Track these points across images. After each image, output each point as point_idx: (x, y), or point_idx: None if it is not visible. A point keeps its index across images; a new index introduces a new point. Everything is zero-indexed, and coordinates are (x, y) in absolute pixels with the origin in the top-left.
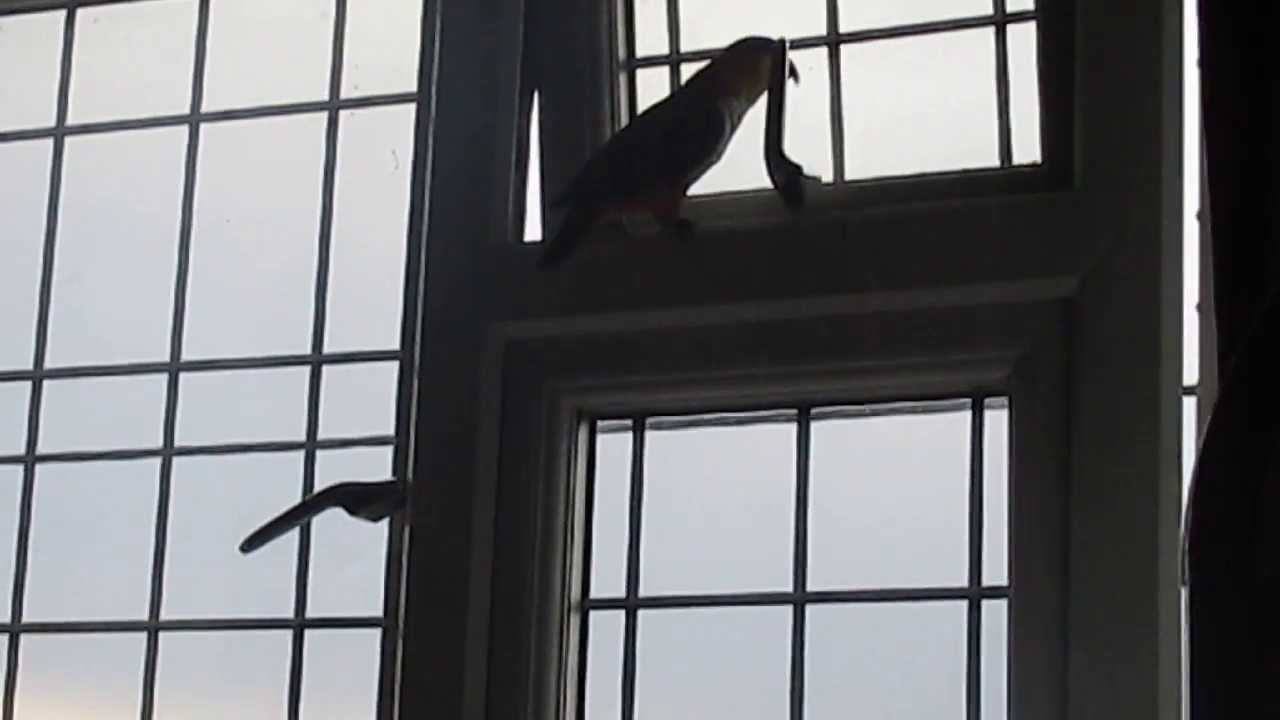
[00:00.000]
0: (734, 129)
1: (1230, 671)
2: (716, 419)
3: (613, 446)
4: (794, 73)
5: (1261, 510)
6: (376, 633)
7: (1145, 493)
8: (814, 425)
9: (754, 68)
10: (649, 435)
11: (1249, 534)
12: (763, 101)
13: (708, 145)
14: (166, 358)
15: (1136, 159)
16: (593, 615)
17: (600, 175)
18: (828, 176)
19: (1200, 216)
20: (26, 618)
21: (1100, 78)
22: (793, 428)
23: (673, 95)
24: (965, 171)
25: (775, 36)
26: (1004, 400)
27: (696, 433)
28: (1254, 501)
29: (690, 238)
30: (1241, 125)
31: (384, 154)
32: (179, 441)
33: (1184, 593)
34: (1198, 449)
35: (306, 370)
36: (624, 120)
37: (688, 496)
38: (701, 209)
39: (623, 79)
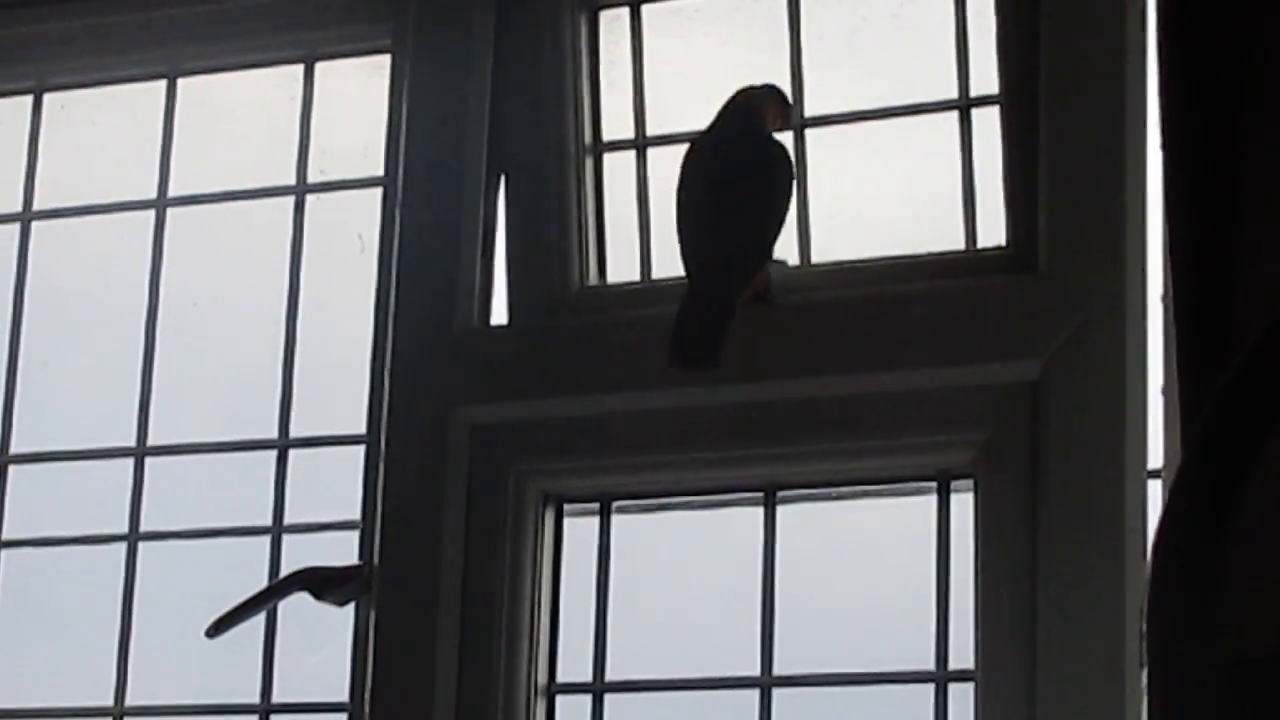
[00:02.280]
0: None
1: None
2: (683, 503)
3: (579, 530)
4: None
5: (1219, 593)
6: (343, 718)
7: (1112, 575)
8: (780, 509)
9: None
10: (615, 519)
11: (1206, 618)
12: None
13: (790, 203)
14: (133, 442)
15: (1101, 242)
16: (559, 700)
17: (722, 265)
18: (794, 260)
19: (1165, 299)
20: None
21: (1064, 161)
22: (759, 511)
23: (725, 164)
24: (931, 255)
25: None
26: (970, 483)
27: (663, 516)
28: (1211, 584)
29: (771, 300)
30: (1204, 208)
31: (350, 238)
32: (145, 525)
33: (1143, 676)
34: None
35: (273, 454)
36: (591, 204)
37: (654, 580)
38: (668, 293)
39: (589, 163)
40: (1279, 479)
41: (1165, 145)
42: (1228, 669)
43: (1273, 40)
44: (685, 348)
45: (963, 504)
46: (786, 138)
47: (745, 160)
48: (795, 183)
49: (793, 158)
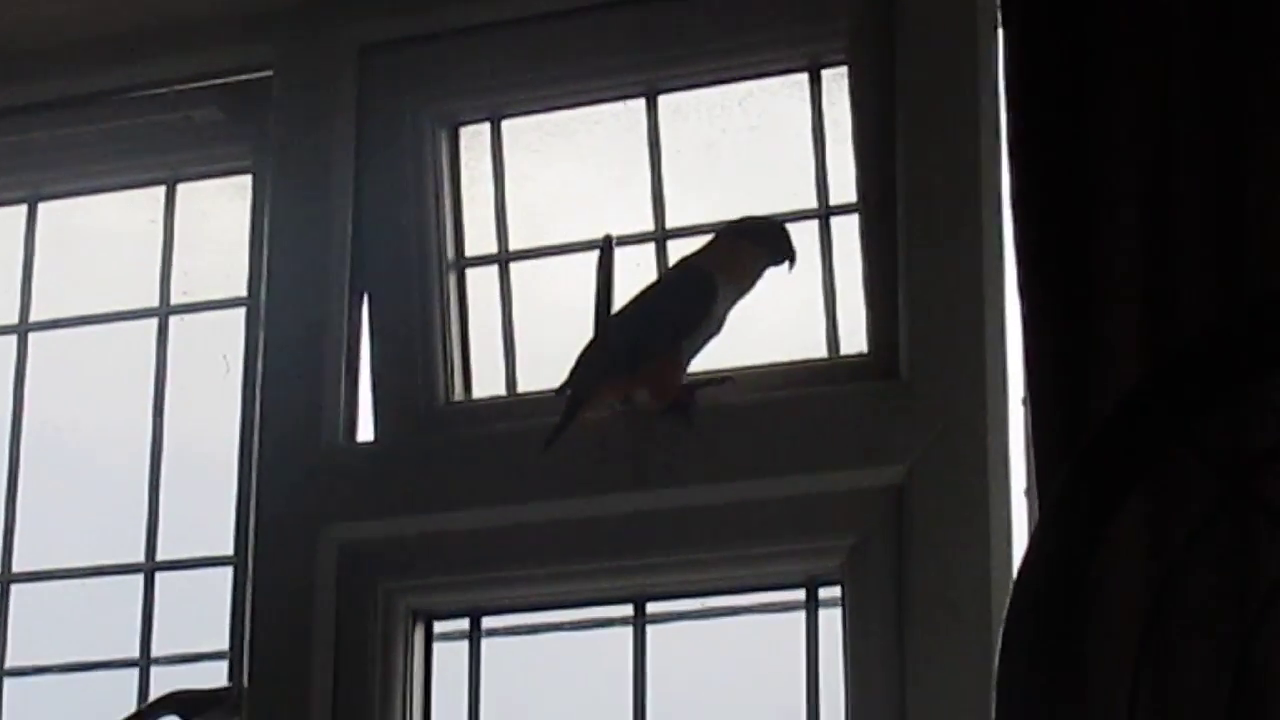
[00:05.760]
0: (726, 304)
1: None
2: (554, 623)
3: (450, 647)
4: (791, 256)
5: (1064, 682)
6: None
7: (979, 676)
8: (650, 626)
9: (741, 256)
10: (486, 639)
11: (1052, 705)
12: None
13: (699, 311)
14: None
15: (960, 347)
16: None
17: (594, 359)
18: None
19: (1024, 402)
20: None
21: (923, 268)
22: (629, 627)
23: (662, 275)
24: (793, 363)
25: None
26: (837, 590)
27: (533, 636)
28: (1056, 675)
29: (692, 416)
30: (1059, 313)
31: (215, 359)
32: (11, 651)
33: None
34: None
35: (140, 578)
36: (455, 320)
37: (526, 696)
38: (534, 407)
39: (452, 279)
40: (1128, 559)
41: (1020, 250)
42: None
43: (1118, 145)
44: None
45: (830, 614)
46: (646, 250)
47: (655, 283)
48: (697, 307)
49: (713, 286)
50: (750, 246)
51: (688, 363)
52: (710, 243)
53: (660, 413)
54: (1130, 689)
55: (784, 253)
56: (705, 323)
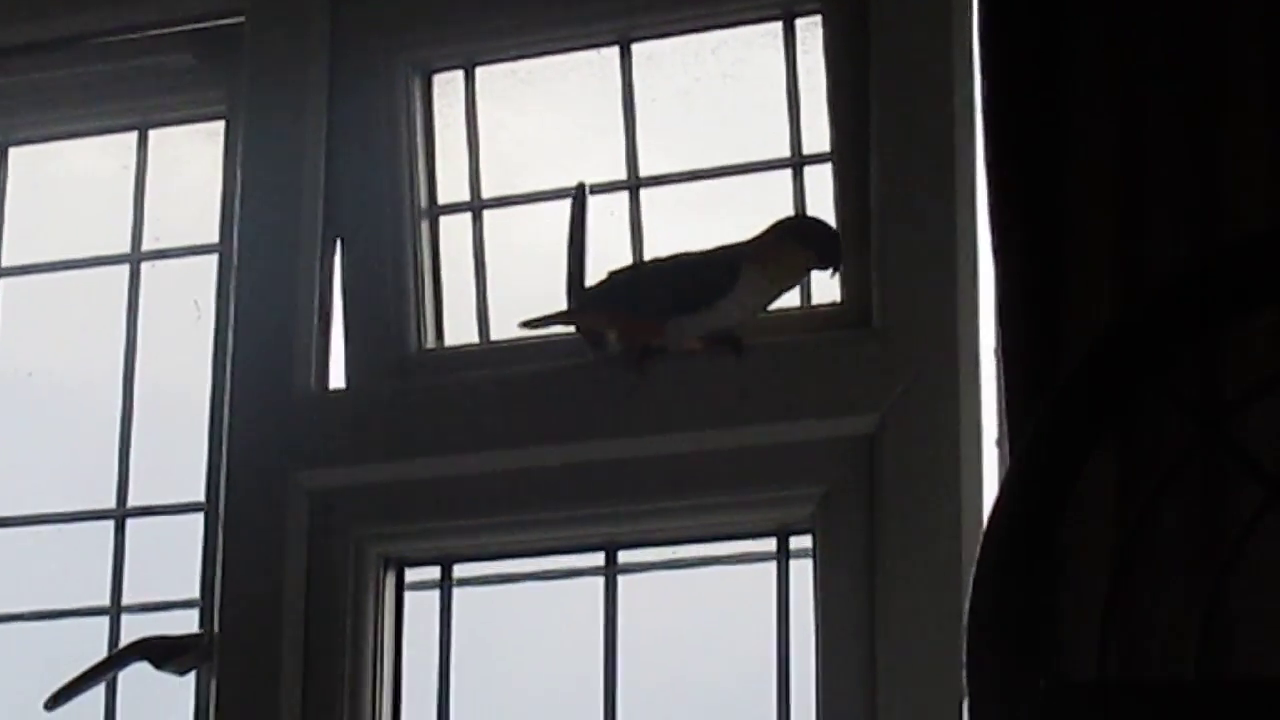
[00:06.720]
0: (749, 299)
1: None
2: (526, 573)
3: (421, 597)
4: (837, 263)
5: (1036, 620)
6: None
7: (950, 626)
8: (621, 576)
9: (785, 253)
10: (458, 586)
11: (1023, 644)
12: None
13: (703, 297)
14: None
15: (932, 296)
16: None
17: (609, 289)
18: None
19: (996, 351)
20: None
21: (896, 216)
22: (600, 578)
23: (712, 249)
24: (766, 312)
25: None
26: (809, 538)
27: (505, 584)
28: (1028, 611)
29: (645, 368)
30: (1032, 262)
31: (187, 305)
32: None
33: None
34: None
35: (110, 524)
36: (427, 267)
37: (497, 646)
38: (506, 355)
39: (425, 226)
40: (1098, 503)
41: (992, 199)
42: (1045, 695)
43: (1092, 95)
44: None
45: (801, 563)
46: (620, 198)
47: (696, 253)
48: (703, 293)
49: (732, 277)
50: (798, 246)
51: (674, 337)
52: (760, 234)
53: (615, 355)
54: (1100, 633)
55: (831, 259)
56: (705, 310)
